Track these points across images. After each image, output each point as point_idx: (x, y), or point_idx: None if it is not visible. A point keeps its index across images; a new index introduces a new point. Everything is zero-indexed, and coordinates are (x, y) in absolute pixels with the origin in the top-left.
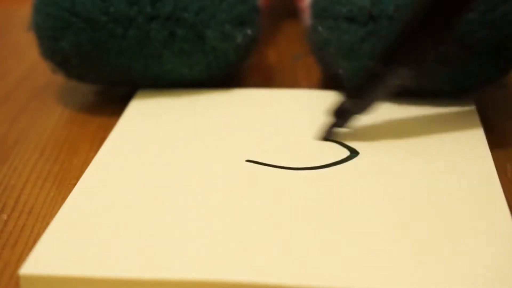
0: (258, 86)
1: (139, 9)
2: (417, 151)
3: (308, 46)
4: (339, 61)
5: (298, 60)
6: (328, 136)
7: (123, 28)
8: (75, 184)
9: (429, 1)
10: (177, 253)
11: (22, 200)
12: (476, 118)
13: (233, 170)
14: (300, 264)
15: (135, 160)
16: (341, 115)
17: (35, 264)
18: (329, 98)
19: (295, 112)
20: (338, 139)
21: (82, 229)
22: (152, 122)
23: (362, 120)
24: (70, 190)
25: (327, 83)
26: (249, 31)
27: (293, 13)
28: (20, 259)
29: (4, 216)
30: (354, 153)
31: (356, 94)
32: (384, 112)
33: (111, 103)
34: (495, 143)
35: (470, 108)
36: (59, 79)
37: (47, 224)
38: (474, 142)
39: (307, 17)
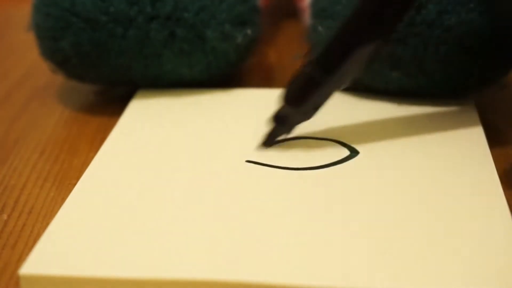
0: (258, 86)
1: (139, 9)
2: (417, 151)
3: (308, 46)
4: None
5: (298, 60)
6: (271, 143)
7: (123, 28)
8: (75, 184)
9: (364, 6)
10: (177, 253)
11: (22, 200)
12: (476, 118)
13: (233, 170)
14: (300, 264)
15: (135, 160)
16: (281, 121)
17: (35, 264)
18: None
19: None
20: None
21: (82, 229)
22: (152, 122)
23: (362, 120)
24: (70, 190)
25: None
26: (249, 31)
27: (293, 13)
28: (20, 259)
29: (4, 216)
30: (354, 152)
31: (294, 100)
32: (384, 112)
33: (111, 103)
34: (495, 143)
35: (470, 108)
36: (59, 79)
37: (47, 224)
38: (474, 142)
39: (307, 17)
